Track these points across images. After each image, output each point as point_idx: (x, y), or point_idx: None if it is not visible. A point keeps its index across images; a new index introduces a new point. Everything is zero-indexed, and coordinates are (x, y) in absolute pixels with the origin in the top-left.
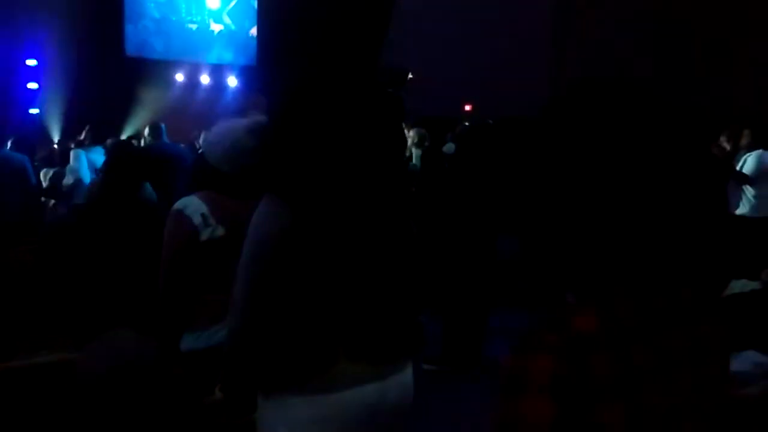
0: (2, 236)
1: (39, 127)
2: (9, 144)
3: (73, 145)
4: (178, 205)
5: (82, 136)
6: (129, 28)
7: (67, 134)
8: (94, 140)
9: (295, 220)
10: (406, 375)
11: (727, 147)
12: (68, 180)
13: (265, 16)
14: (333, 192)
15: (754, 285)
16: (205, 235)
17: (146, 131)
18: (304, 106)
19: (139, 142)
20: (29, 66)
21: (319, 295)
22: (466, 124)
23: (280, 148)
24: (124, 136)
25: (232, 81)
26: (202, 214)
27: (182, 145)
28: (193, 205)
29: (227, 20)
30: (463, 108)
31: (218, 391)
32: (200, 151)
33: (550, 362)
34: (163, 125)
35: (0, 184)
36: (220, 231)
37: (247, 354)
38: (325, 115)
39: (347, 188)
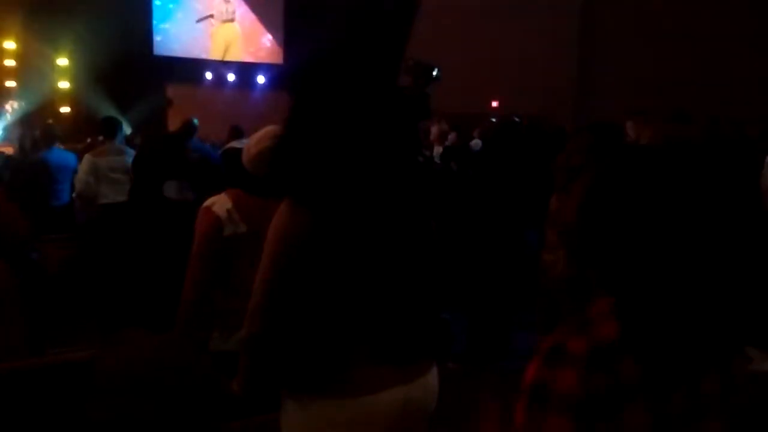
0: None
1: (70, 125)
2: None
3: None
4: (207, 202)
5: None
6: (157, 28)
7: (97, 133)
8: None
9: (315, 224)
10: (431, 377)
11: None
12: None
13: (294, 17)
14: (352, 193)
15: None
16: (228, 231)
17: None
18: (324, 107)
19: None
20: (60, 65)
21: (341, 298)
22: (493, 120)
23: (298, 150)
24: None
25: (260, 79)
26: (227, 210)
27: (208, 144)
28: (219, 201)
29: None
30: (490, 104)
31: (235, 385)
32: (227, 150)
33: (574, 377)
34: (196, 121)
35: (59, 181)
36: (243, 228)
37: (268, 356)
38: (344, 117)
39: (366, 189)
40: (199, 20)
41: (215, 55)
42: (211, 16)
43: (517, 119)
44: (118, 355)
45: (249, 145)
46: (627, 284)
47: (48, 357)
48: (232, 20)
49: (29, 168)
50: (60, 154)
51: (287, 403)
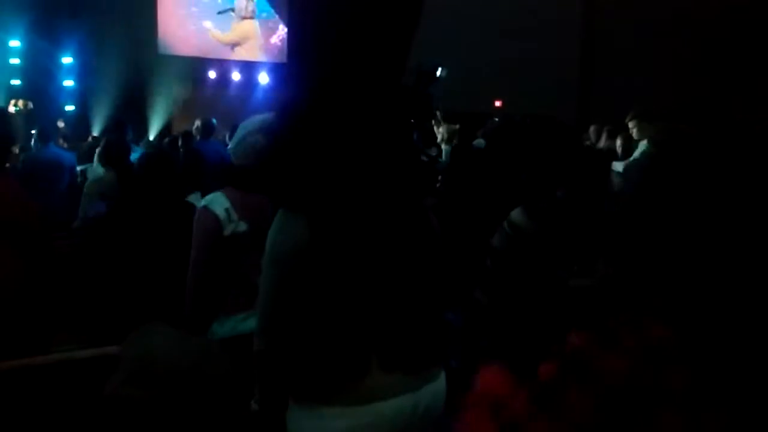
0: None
1: (75, 124)
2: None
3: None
4: (204, 201)
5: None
6: (161, 26)
7: (102, 131)
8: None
9: (313, 231)
10: (439, 383)
11: None
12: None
13: (294, 15)
14: (351, 200)
15: None
16: (228, 230)
17: (196, 128)
18: (323, 110)
19: (178, 141)
20: (65, 64)
21: (346, 306)
22: (495, 119)
23: (294, 156)
24: (154, 133)
25: (264, 78)
26: (226, 209)
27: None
28: (217, 201)
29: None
30: (494, 104)
31: (254, 403)
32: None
33: (625, 365)
34: (215, 121)
35: (50, 180)
36: (243, 226)
37: (279, 370)
38: (343, 121)
39: (365, 195)
40: (220, 12)
41: (219, 53)
42: (232, 9)
43: (520, 119)
44: (152, 344)
45: (235, 136)
46: (681, 287)
47: (54, 355)
48: (251, 17)
49: (27, 164)
50: (54, 151)
51: (295, 410)
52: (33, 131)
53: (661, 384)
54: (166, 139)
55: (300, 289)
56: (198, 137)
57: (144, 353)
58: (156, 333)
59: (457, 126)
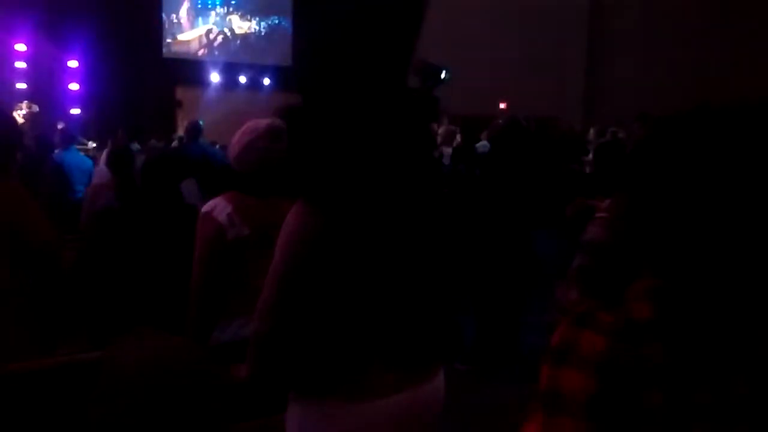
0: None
1: (80, 126)
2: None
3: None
4: (206, 207)
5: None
6: (166, 30)
7: (106, 134)
8: (130, 141)
9: (327, 225)
10: (438, 381)
11: None
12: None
13: (301, 17)
14: (364, 196)
15: None
16: (231, 234)
17: (184, 130)
18: (335, 109)
19: (180, 143)
20: (71, 67)
21: (351, 301)
22: (500, 122)
23: (311, 152)
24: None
25: (267, 81)
26: (228, 214)
27: (217, 146)
28: (219, 206)
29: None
30: (498, 106)
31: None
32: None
33: (602, 342)
34: (201, 123)
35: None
36: (246, 230)
37: (276, 354)
38: (355, 118)
39: (378, 192)
40: (224, 15)
41: (224, 56)
42: (232, 13)
43: (523, 121)
44: (127, 355)
45: (233, 142)
46: (674, 263)
47: (58, 357)
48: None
49: (47, 167)
50: (77, 155)
51: (293, 406)
52: (38, 134)
53: (641, 361)
54: (175, 142)
55: (309, 276)
56: (185, 139)
57: (112, 370)
58: (133, 344)
59: (456, 127)
